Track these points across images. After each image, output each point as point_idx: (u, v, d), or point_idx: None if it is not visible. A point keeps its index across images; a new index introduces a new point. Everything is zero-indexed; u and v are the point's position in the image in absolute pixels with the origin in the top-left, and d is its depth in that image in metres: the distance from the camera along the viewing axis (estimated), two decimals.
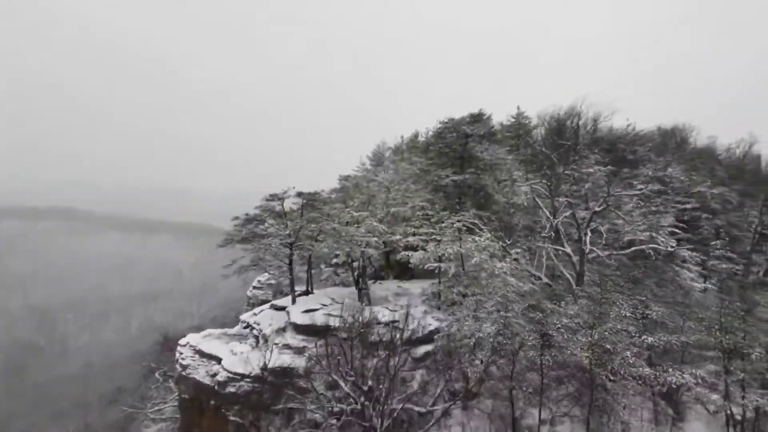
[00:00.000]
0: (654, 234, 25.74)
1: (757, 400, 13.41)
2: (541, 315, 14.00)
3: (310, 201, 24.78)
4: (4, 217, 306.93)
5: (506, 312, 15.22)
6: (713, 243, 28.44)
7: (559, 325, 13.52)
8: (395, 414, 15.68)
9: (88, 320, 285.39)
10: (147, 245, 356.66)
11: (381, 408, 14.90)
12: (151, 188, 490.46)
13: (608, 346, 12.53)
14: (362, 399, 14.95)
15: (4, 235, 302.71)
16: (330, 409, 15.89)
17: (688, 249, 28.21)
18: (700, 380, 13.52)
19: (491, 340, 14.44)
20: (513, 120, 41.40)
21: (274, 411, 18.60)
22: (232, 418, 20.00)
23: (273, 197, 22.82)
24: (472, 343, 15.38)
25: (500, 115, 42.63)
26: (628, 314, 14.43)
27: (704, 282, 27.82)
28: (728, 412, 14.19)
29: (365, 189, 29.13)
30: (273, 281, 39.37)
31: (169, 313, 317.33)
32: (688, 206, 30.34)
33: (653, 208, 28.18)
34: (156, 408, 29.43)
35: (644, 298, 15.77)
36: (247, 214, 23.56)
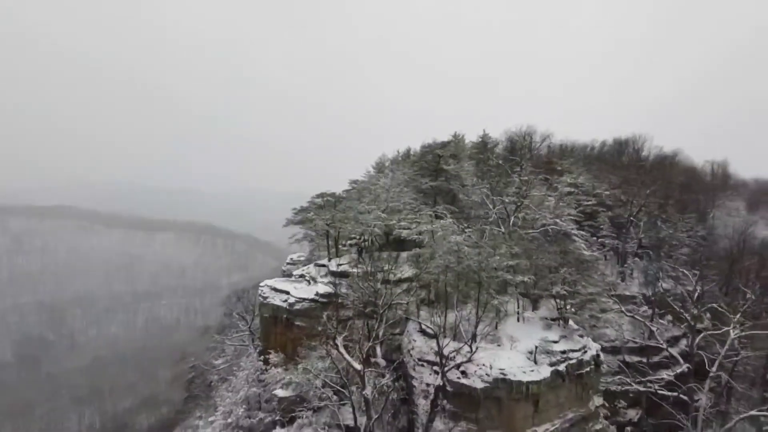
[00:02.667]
0: (558, 220, 41.04)
1: (564, 290, 28.60)
2: (457, 249, 29.04)
3: (338, 199, 40.04)
4: (12, 215, 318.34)
5: (449, 255, 30.19)
6: (602, 227, 43.92)
7: (467, 255, 28.55)
8: (390, 307, 30.75)
9: (95, 316, 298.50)
10: (150, 244, 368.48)
11: (383, 303, 29.90)
12: (152, 188, 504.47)
13: (486, 263, 27.59)
14: (373, 299, 29.86)
15: (12, 233, 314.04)
16: (355, 307, 30.85)
17: (587, 231, 43.69)
18: (535, 280, 28.56)
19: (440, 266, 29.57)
20: (480, 140, 56.54)
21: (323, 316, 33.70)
22: (297, 323, 35.17)
23: (319, 196, 38.13)
24: (430, 270, 30.49)
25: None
26: (503, 251, 29.58)
27: (595, 250, 43.27)
28: (556, 301, 29.37)
29: (372, 190, 44.29)
30: (302, 258, 54.57)
31: (174, 309, 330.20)
32: (590, 202, 45.72)
33: (562, 204, 43.55)
34: (235, 336, 44.68)
35: (513, 243, 30.88)
36: (302, 206, 38.88)
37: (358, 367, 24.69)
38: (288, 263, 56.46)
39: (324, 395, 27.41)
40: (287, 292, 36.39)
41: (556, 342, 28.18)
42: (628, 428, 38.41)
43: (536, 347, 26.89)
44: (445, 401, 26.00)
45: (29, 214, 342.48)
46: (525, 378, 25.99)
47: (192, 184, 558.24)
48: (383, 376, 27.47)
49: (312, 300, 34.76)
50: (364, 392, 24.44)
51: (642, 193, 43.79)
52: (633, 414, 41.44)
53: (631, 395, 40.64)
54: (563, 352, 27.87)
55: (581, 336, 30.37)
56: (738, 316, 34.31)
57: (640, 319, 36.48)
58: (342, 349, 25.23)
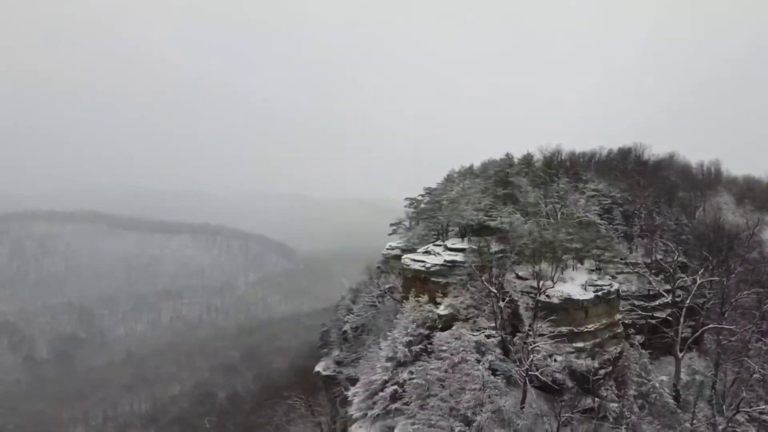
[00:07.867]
0: (588, 214, 65.11)
1: (598, 252, 52.58)
2: (536, 231, 52.76)
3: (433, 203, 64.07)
4: (36, 220, 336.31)
5: (530, 234, 53.68)
6: (615, 218, 68.22)
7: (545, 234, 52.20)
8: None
9: (121, 315, 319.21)
10: (167, 245, 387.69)
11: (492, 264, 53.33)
12: (166, 191, 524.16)
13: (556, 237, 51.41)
14: (487, 261, 53.20)
15: (37, 237, 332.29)
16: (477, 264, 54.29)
17: (606, 220, 67.93)
18: (581, 247, 52.39)
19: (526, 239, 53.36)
20: (523, 157, 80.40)
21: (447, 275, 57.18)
22: (432, 279, 58.75)
23: (409, 199, 62.44)
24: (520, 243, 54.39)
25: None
26: (563, 231, 53.52)
27: (612, 233, 67.45)
28: (594, 259, 53.31)
29: (463, 194, 67.95)
30: (400, 244, 77.99)
31: (195, 308, 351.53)
32: (606, 201, 69.91)
33: (588, 203, 67.68)
34: (370, 295, 68.35)
35: (559, 228, 54.89)
36: (420, 208, 62.79)
37: (494, 290, 48.35)
38: (387, 248, 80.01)
39: (470, 311, 50.94)
40: (423, 261, 59.99)
41: (595, 281, 52.15)
42: None
43: (585, 281, 50.93)
44: (537, 311, 49.77)
45: (52, 218, 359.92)
46: (580, 297, 49.91)
47: (197, 186, 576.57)
48: (502, 300, 51.19)
49: (442, 265, 58.41)
50: (499, 304, 48.02)
51: (641, 194, 68.17)
52: (639, 338, 65.63)
53: (637, 326, 64.89)
54: (599, 286, 51.79)
55: (609, 279, 54.40)
56: (702, 271, 58.52)
57: (641, 272, 60.79)
58: (485, 281, 48.75)
